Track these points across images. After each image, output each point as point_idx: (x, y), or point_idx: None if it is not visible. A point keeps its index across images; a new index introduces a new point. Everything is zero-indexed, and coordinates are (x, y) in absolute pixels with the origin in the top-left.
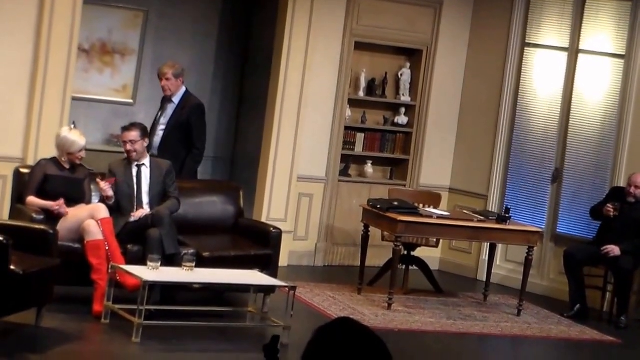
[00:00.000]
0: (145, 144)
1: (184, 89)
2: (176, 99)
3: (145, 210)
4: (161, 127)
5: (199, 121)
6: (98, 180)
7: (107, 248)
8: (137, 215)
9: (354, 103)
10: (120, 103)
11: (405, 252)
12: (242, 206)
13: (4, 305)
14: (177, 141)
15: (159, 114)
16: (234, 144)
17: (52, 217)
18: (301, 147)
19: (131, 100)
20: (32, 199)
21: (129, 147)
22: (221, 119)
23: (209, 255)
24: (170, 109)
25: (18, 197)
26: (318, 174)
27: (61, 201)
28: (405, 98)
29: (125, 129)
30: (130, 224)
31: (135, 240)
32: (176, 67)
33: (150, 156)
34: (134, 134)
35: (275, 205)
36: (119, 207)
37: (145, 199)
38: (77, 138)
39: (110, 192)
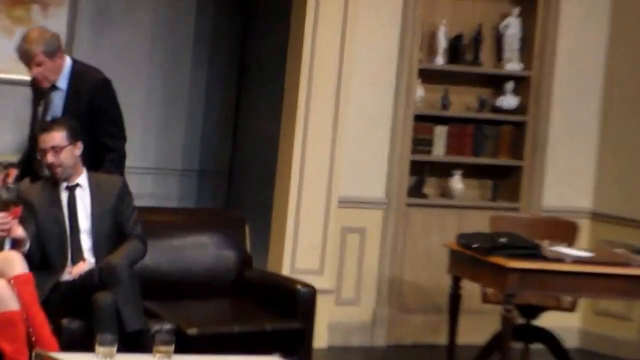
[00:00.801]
0: (78, 152)
1: (68, 62)
2: (63, 83)
3: (88, 261)
4: None
5: (111, 103)
6: None
7: (27, 324)
8: (74, 271)
9: (428, 76)
10: None
11: (523, 321)
12: (249, 250)
13: None
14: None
15: (39, 111)
16: (233, 149)
17: None
18: (343, 151)
19: None
20: None
21: (50, 158)
22: (209, 107)
23: (197, 332)
24: (58, 100)
25: None
26: (372, 195)
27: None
28: (513, 66)
29: (43, 129)
30: (64, 285)
31: (75, 311)
32: (47, 39)
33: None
34: (58, 136)
35: (304, 247)
36: (43, 257)
37: (85, 242)
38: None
39: (20, 232)
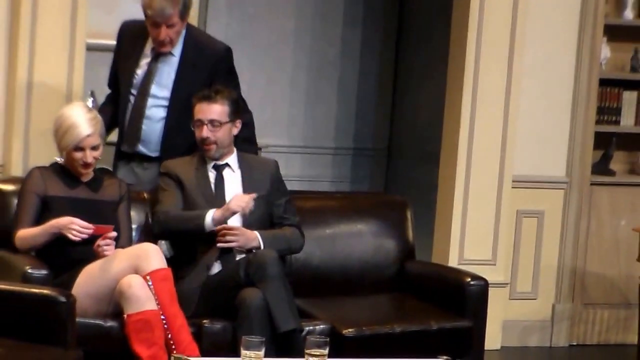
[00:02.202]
0: (236, 131)
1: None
2: (177, 49)
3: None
4: (157, 104)
5: (235, 75)
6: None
7: (165, 326)
8: (225, 232)
9: (616, 33)
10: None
11: None
12: (413, 239)
13: None
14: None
15: (141, 74)
16: (391, 125)
17: (67, 267)
18: (517, 124)
19: None
20: (25, 234)
21: (206, 133)
22: (364, 73)
23: (354, 333)
24: (168, 67)
25: (0, 237)
26: (551, 173)
27: (111, 230)
28: None
29: (204, 97)
30: (212, 281)
31: (217, 311)
32: None
33: (238, 151)
34: (220, 110)
35: (474, 234)
36: (190, 248)
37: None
38: (78, 119)
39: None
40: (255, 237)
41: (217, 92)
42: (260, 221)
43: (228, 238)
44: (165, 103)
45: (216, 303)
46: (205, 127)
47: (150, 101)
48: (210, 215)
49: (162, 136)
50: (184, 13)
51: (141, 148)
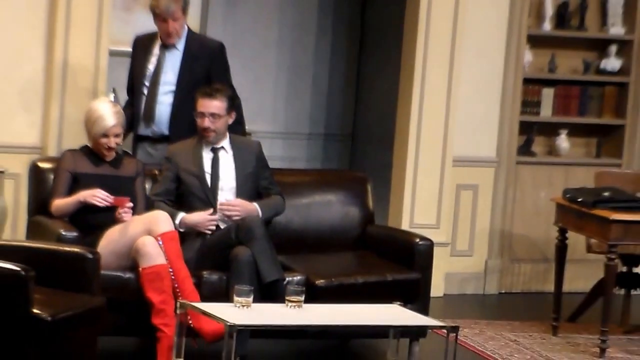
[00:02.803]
0: (231, 121)
1: (185, 25)
2: (180, 44)
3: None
4: (166, 89)
5: (227, 67)
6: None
7: (172, 277)
8: (229, 209)
9: (536, 41)
10: None
11: (625, 269)
12: (372, 207)
13: None
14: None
15: (152, 68)
16: (354, 115)
17: (93, 230)
18: (456, 113)
19: None
20: (59, 203)
21: (207, 123)
22: (333, 73)
23: (325, 283)
24: (173, 60)
25: (38, 206)
26: (484, 154)
27: (127, 201)
28: (617, 30)
29: (206, 94)
30: (209, 242)
31: (213, 266)
32: None
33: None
34: (218, 105)
35: (422, 203)
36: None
37: (223, 201)
38: (105, 112)
39: (127, 214)
40: (254, 208)
41: (216, 91)
42: (249, 194)
43: (232, 213)
44: (173, 88)
45: (212, 259)
46: (206, 118)
47: (160, 88)
48: (179, 219)
49: (170, 116)
50: (185, 8)
51: (154, 128)
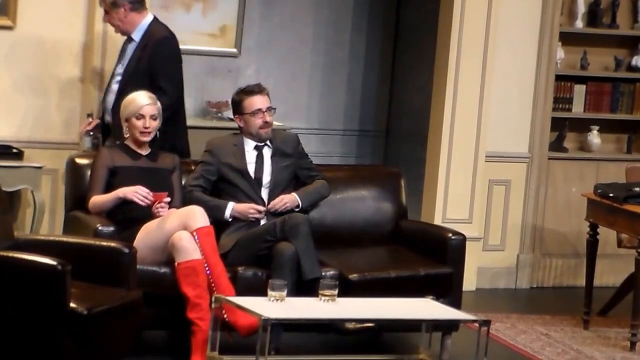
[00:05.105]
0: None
1: (149, 18)
2: (137, 35)
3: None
4: (116, 80)
5: (166, 60)
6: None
7: (208, 272)
8: (278, 206)
9: (568, 38)
10: (218, 53)
11: None
12: (405, 202)
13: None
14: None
15: (117, 61)
16: (388, 111)
17: (129, 225)
18: (489, 110)
19: (234, 49)
20: (97, 200)
21: (268, 117)
22: (367, 70)
23: (358, 277)
24: (129, 51)
25: (75, 201)
26: (516, 150)
27: (166, 196)
28: None
29: (253, 92)
30: (251, 233)
31: (251, 257)
32: None
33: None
34: (268, 99)
35: (455, 198)
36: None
37: (265, 195)
38: (138, 94)
39: (164, 209)
40: (294, 199)
41: (260, 87)
42: (285, 186)
43: (280, 206)
44: (119, 78)
45: (252, 250)
46: (265, 113)
47: (114, 78)
48: (230, 209)
49: (113, 104)
50: (114, 2)
51: (107, 117)
